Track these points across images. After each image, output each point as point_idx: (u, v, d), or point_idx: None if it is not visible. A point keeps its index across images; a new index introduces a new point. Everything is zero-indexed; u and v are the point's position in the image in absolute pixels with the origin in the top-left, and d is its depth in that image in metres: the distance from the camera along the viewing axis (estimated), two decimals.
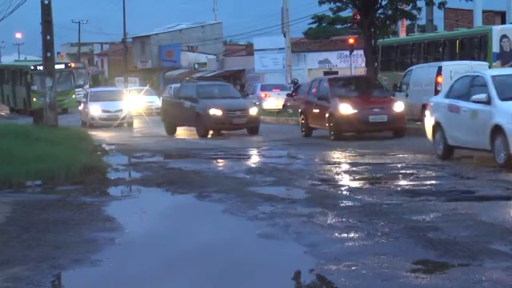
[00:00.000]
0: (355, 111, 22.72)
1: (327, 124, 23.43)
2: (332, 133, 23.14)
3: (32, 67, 49.90)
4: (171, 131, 28.99)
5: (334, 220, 9.60)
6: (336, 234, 8.76)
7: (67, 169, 13.98)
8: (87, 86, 59.05)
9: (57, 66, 44.39)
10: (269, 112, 38.87)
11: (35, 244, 8.64)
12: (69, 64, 53.91)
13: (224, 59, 73.24)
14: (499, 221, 9.14)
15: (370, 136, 23.05)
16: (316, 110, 24.55)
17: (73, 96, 51.66)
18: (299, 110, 26.48)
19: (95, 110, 34.84)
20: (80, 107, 38.14)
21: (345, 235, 8.70)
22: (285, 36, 47.31)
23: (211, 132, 27.21)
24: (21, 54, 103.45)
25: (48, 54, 27.38)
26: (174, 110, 28.66)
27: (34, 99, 48.45)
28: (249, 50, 67.63)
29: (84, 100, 37.49)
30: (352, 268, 7.23)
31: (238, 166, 16.50)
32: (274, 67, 51.49)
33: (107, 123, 34.01)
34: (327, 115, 23.32)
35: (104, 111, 34.66)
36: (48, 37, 27.20)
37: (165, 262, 8.02)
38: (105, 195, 12.65)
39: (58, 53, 75.72)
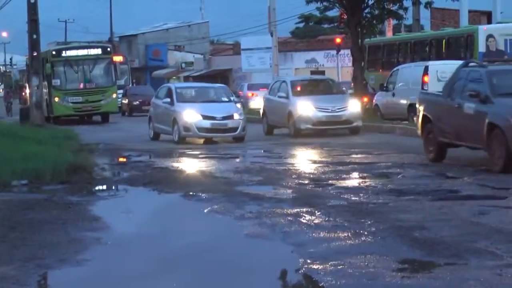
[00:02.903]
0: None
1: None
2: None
3: (53, 52, 36.12)
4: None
5: (321, 219, 9.60)
6: (323, 234, 8.76)
7: (53, 169, 13.93)
8: (129, 85, 49.50)
9: (87, 51, 36.43)
10: (256, 112, 38.82)
11: (21, 244, 8.60)
12: (107, 49, 37.49)
13: (211, 58, 73.23)
14: (485, 221, 9.17)
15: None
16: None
17: (114, 95, 36.62)
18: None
19: (191, 116, 22.55)
20: (151, 110, 25.53)
21: (332, 234, 8.71)
22: (272, 36, 47.24)
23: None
24: (7, 53, 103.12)
25: (34, 53, 27.29)
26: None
27: (56, 99, 35.41)
28: (236, 49, 67.67)
29: (162, 101, 24.26)
30: (339, 267, 7.24)
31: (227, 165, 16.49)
32: (261, 67, 51.54)
33: (210, 135, 22.86)
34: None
35: (205, 117, 22.55)
36: (34, 36, 27.14)
37: (151, 262, 8.00)
38: (92, 194, 12.62)
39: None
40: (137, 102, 44.28)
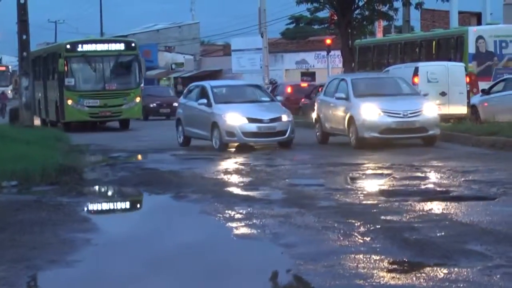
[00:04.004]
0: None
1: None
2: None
3: (68, 46, 30.46)
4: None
5: (311, 220, 9.61)
6: (313, 235, 8.77)
7: (43, 170, 13.88)
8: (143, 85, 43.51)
9: (108, 46, 30.93)
10: None
11: (10, 245, 8.58)
12: (132, 44, 31.61)
13: (202, 59, 73.21)
14: (475, 221, 9.19)
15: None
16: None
17: (137, 99, 30.87)
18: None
19: (235, 119, 19.82)
20: (180, 112, 22.56)
21: (322, 235, 8.72)
22: (262, 37, 47.31)
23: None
24: None
25: (24, 54, 27.22)
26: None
27: (70, 102, 30.02)
28: (226, 50, 67.70)
29: (195, 102, 21.27)
30: (329, 268, 7.24)
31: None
32: (251, 68, 51.62)
33: (259, 140, 20.13)
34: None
35: (251, 120, 19.82)
36: (24, 37, 27.05)
37: (141, 263, 7.99)
38: (82, 195, 12.58)
39: None
40: (154, 104, 39.74)
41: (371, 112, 19.00)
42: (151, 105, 39.37)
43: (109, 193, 13.50)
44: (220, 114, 19.98)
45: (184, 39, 79.52)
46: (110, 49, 30.62)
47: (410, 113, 18.96)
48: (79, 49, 30.24)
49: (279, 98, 24.28)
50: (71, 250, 8.39)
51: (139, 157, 20.41)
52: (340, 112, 20.12)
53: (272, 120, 19.81)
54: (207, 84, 22.01)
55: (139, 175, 14.91)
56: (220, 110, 20.08)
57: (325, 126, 21.05)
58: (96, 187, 13.79)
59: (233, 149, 20.13)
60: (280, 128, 19.82)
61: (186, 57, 75.05)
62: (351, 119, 19.35)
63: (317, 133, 21.54)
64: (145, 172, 15.51)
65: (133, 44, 31.26)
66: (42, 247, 8.49)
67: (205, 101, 20.66)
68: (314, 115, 21.96)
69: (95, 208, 11.70)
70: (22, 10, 26.97)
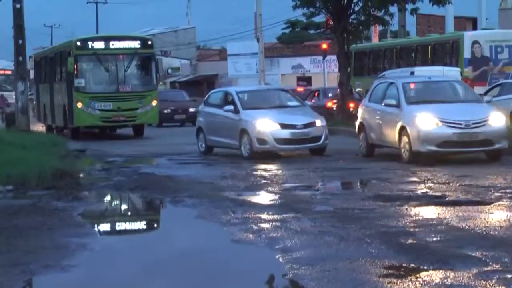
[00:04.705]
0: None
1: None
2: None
3: (78, 43, 27.64)
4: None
5: (307, 225, 9.60)
6: (309, 239, 8.77)
7: (39, 174, 13.87)
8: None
9: (122, 43, 28.05)
10: None
11: (5, 250, 8.57)
12: (148, 41, 28.84)
13: (198, 64, 73.19)
14: (471, 226, 9.20)
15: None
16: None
17: (154, 102, 28.23)
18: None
19: (266, 125, 18.67)
20: (201, 120, 21.08)
21: (318, 240, 8.71)
22: (258, 41, 47.38)
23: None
24: None
25: (20, 58, 27.22)
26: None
27: (80, 105, 27.24)
28: (222, 55, 67.67)
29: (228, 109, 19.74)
30: (325, 273, 7.24)
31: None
32: (247, 72, 51.57)
33: (292, 147, 18.98)
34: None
35: (284, 126, 18.65)
36: (20, 41, 27.05)
37: (137, 267, 7.98)
38: (78, 200, 12.57)
39: (30, 57, 75.31)
40: (168, 110, 36.68)
41: (427, 122, 16.35)
42: (165, 111, 36.01)
43: (105, 197, 13.48)
44: (249, 120, 18.74)
45: (180, 44, 79.51)
46: (124, 46, 27.92)
47: (473, 123, 16.35)
48: (90, 46, 27.60)
49: None
50: (67, 255, 8.37)
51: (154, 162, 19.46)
52: (389, 121, 17.50)
53: (306, 126, 18.62)
54: (232, 89, 20.93)
55: (135, 180, 14.90)
56: (249, 116, 18.84)
57: (370, 136, 18.26)
58: (92, 192, 13.77)
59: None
60: (314, 134, 18.65)
61: (182, 62, 75.03)
62: (403, 129, 16.76)
63: (361, 145, 18.64)
64: (141, 177, 15.49)
65: (149, 42, 28.62)
66: (38, 252, 8.48)
67: (231, 107, 19.40)
68: (357, 124, 19.26)
69: (91, 213, 11.69)
70: (18, 15, 26.98)
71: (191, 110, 35.04)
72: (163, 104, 34.78)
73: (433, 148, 16.23)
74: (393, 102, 17.35)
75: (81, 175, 15.54)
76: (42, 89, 32.14)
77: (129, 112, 27.49)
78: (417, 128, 16.30)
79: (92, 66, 27.67)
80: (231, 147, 19.53)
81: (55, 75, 30.81)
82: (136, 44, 28.02)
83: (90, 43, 27.72)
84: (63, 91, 28.65)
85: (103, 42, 27.97)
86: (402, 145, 16.78)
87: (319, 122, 18.84)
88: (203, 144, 20.68)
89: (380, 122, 17.95)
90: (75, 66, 27.04)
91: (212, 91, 22.83)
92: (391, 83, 18.32)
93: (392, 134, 17.16)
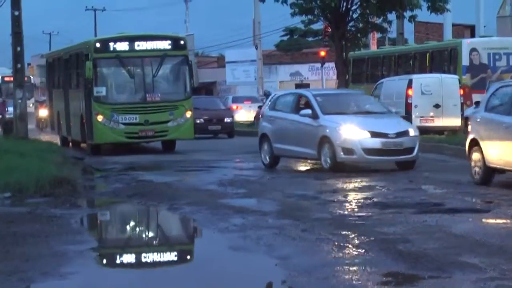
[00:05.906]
0: None
1: None
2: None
3: (97, 44, 23.45)
4: None
5: (305, 232, 9.59)
6: (307, 246, 8.76)
7: (36, 181, 13.85)
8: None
9: (150, 44, 23.60)
10: (240, 124, 38.86)
11: (3, 257, 8.55)
12: (180, 41, 24.53)
13: (196, 71, 73.25)
14: (469, 233, 9.19)
15: None
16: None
17: (188, 113, 23.79)
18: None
19: (353, 132, 16.49)
20: (266, 127, 18.52)
21: (316, 247, 8.71)
22: (256, 49, 47.45)
23: None
24: None
25: (18, 66, 27.21)
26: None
27: (100, 118, 23.04)
28: (220, 62, 67.71)
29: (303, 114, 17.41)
30: (323, 280, 7.23)
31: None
32: (245, 79, 51.62)
33: (382, 159, 16.70)
34: None
35: (374, 134, 16.44)
36: (18, 49, 27.03)
37: (135, 275, 7.97)
38: (75, 207, 12.55)
39: (29, 64, 75.19)
40: (202, 120, 31.58)
41: None
42: (198, 121, 30.00)
43: (103, 205, 13.46)
44: (333, 127, 16.50)
45: None
46: (152, 48, 23.58)
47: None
48: (112, 48, 23.28)
49: None
50: (64, 262, 8.36)
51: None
52: None
53: (399, 135, 16.38)
54: (307, 92, 18.56)
55: (134, 187, 14.87)
56: (332, 122, 16.66)
57: (488, 158, 13.55)
58: (90, 199, 13.75)
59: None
60: (408, 145, 16.41)
61: None
62: None
63: (474, 169, 13.90)
64: (140, 184, 15.46)
65: (182, 42, 24.30)
66: (35, 259, 8.46)
67: (309, 112, 17.13)
68: (467, 141, 14.42)
69: (88, 220, 11.67)
70: (16, 22, 26.98)
71: (227, 120, 32.50)
72: (195, 113, 27.31)
73: None
74: None
75: (79, 182, 15.50)
76: (56, 95, 28.56)
77: (159, 126, 23.15)
78: None
79: (114, 72, 23.61)
80: (305, 157, 17.64)
81: (70, 80, 26.38)
82: (166, 44, 23.71)
83: (111, 44, 23.37)
84: (80, 99, 24.40)
85: (127, 43, 23.64)
86: None
87: (412, 132, 16.73)
88: (267, 156, 18.10)
89: (505, 139, 13.23)
90: (94, 72, 22.83)
91: (278, 94, 20.23)
92: None
93: None
